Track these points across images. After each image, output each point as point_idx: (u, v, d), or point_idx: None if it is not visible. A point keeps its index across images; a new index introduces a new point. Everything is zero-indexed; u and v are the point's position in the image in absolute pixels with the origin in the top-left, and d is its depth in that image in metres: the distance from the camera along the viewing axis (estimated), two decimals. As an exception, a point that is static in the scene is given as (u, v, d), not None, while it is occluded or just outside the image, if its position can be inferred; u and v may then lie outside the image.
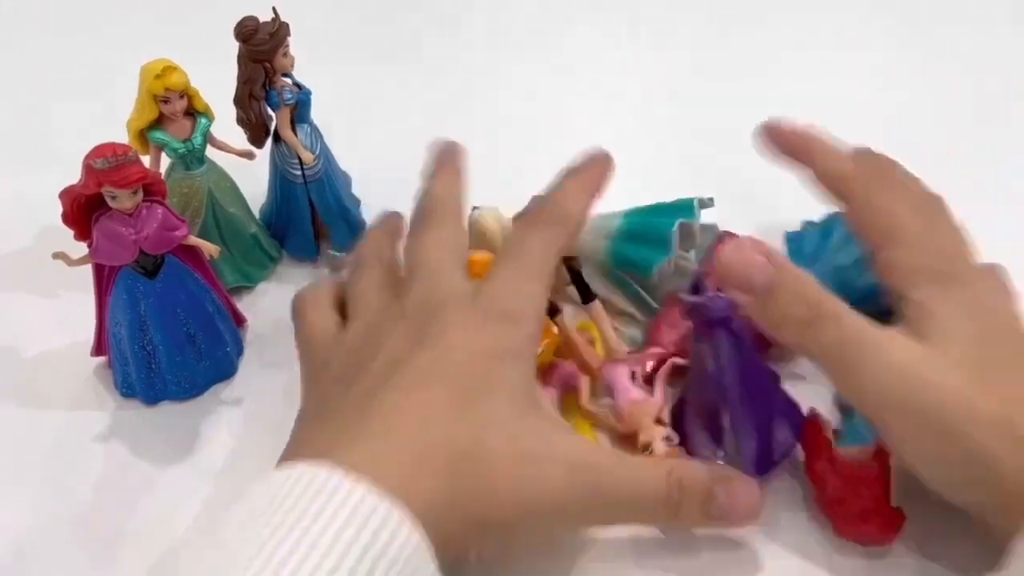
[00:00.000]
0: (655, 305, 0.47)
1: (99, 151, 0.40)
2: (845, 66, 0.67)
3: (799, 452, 0.41)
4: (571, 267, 0.46)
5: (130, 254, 0.42)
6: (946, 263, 0.39)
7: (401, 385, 0.36)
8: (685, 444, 0.42)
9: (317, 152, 0.51)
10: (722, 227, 0.49)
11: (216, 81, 0.48)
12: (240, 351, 0.49)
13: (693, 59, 0.68)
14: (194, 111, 0.48)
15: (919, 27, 0.71)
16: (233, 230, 0.51)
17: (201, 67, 0.47)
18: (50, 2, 0.75)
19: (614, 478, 0.36)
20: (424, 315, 0.38)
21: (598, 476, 0.36)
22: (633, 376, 0.43)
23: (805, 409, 0.42)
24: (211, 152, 0.50)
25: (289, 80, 0.49)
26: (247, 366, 0.48)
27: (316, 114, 0.51)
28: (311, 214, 0.52)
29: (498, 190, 0.48)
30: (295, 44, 0.48)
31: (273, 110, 0.50)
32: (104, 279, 0.45)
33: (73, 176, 0.41)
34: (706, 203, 0.48)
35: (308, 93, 0.50)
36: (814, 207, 0.45)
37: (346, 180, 0.55)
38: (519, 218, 0.45)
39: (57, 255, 0.43)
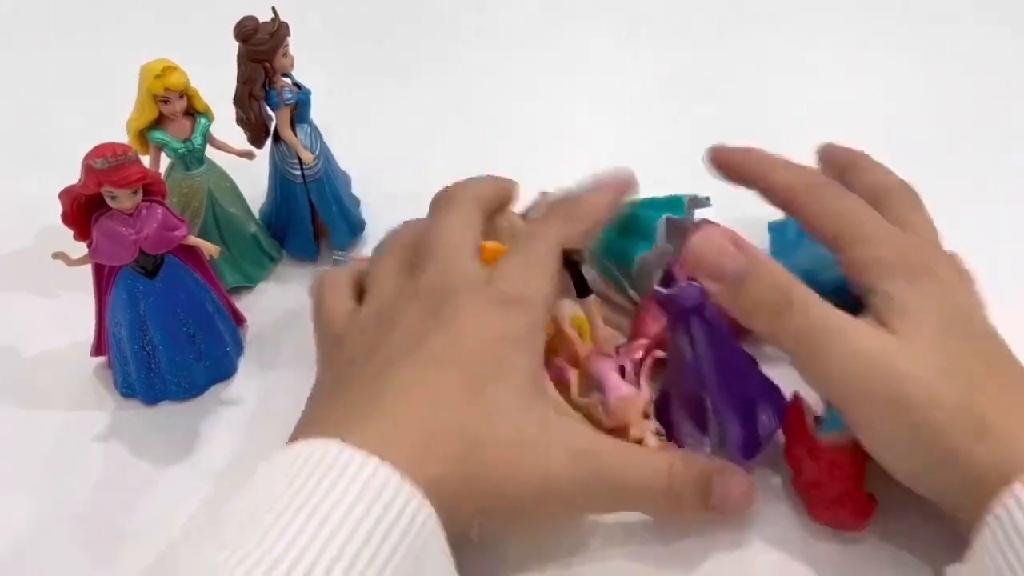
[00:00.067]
0: (636, 297, 0.47)
1: (99, 151, 0.40)
2: (845, 66, 0.67)
3: (779, 436, 0.41)
4: (571, 260, 0.46)
5: (130, 254, 0.42)
6: (910, 253, 0.39)
7: (413, 367, 0.37)
8: (671, 434, 0.42)
9: (317, 152, 0.51)
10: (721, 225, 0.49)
11: (216, 81, 0.48)
12: (240, 351, 0.49)
13: (693, 59, 0.68)
14: (194, 111, 0.48)
15: (919, 27, 0.71)
16: (233, 230, 0.51)
17: (201, 67, 0.47)
18: (50, 2, 0.75)
19: (617, 466, 0.37)
20: (437, 297, 0.39)
21: (600, 464, 0.37)
22: (623, 371, 0.43)
23: (788, 393, 0.42)
24: (211, 152, 0.50)
25: (289, 80, 0.49)
26: (247, 366, 0.48)
27: (316, 114, 0.51)
28: (311, 214, 0.52)
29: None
30: (295, 44, 0.48)
31: (273, 110, 0.50)
32: (104, 279, 0.45)
33: (73, 176, 0.41)
34: (702, 202, 0.48)
35: (308, 93, 0.50)
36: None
37: (346, 180, 0.55)
38: (535, 215, 0.45)
39: (57, 255, 0.43)
